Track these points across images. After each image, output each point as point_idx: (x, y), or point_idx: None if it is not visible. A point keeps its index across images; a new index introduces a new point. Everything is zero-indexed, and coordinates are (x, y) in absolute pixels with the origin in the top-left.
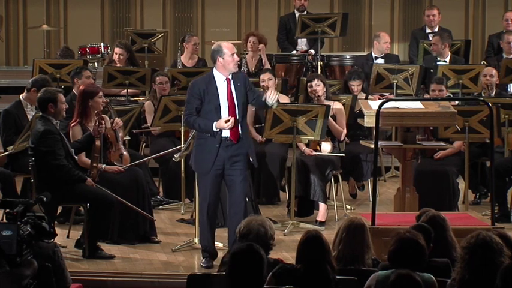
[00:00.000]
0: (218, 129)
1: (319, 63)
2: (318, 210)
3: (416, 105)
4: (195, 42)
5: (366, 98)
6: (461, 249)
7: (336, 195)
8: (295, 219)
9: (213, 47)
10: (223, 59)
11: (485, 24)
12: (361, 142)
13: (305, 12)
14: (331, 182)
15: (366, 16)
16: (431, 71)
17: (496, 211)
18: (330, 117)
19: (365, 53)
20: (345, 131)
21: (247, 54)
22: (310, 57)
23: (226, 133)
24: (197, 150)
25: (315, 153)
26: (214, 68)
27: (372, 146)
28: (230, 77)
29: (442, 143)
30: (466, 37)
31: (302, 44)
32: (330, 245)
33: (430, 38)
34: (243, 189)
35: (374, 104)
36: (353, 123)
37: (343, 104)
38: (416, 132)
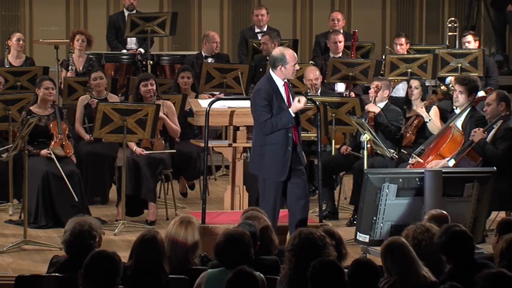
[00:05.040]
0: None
1: (149, 62)
2: (148, 209)
3: (246, 104)
4: (18, 37)
5: (196, 97)
6: (287, 252)
7: (167, 194)
8: (125, 219)
9: (275, 54)
10: (285, 68)
11: (312, 24)
12: (192, 141)
13: (134, 11)
14: (162, 181)
15: (195, 15)
16: (261, 70)
17: (324, 208)
18: (165, 117)
19: (195, 52)
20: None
21: (73, 53)
22: (139, 56)
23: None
24: (269, 157)
25: (146, 152)
26: (271, 72)
27: (202, 145)
28: (286, 80)
29: None
30: (294, 37)
31: (132, 43)
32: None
33: (259, 38)
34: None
35: (204, 103)
36: (183, 122)
37: (174, 103)
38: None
